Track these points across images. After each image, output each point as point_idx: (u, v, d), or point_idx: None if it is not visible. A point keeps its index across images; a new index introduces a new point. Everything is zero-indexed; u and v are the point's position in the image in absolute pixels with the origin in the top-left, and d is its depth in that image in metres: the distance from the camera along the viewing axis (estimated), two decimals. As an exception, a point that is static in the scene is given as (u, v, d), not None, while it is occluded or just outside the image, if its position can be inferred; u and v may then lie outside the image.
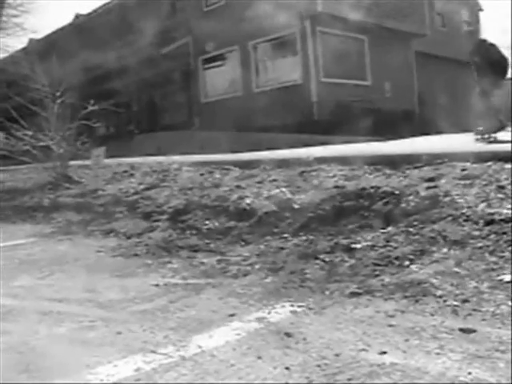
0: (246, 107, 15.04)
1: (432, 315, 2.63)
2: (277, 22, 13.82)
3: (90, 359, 2.33)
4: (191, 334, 2.57)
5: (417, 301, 2.83)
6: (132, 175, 8.37)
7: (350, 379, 2.00)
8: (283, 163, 6.63)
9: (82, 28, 21.43)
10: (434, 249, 3.49)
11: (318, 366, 2.13)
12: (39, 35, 22.40)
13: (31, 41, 22.57)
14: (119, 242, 5.12)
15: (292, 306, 2.92)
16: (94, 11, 22.01)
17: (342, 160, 6.08)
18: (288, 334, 2.50)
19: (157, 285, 3.52)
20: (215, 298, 3.16)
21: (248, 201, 5.23)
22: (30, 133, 9.30)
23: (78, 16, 23.19)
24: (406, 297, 2.90)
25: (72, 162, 9.66)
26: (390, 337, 2.39)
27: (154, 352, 2.37)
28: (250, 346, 2.37)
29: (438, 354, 2.18)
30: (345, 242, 3.89)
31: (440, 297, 2.83)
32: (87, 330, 2.74)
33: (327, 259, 3.63)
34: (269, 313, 2.83)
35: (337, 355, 2.22)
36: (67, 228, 6.24)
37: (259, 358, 2.25)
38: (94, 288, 3.51)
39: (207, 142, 13.49)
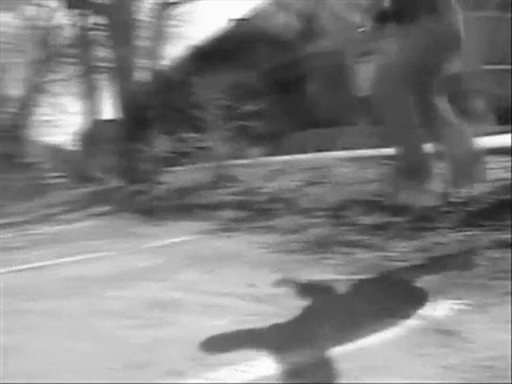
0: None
1: None
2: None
3: (251, 352, 2.37)
4: (351, 330, 2.53)
5: None
6: (289, 172, 8.48)
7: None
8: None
9: (234, 32, 22.12)
10: None
11: (481, 366, 2.00)
12: (196, 42, 23.49)
13: (191, 47, 23.69)
14: (278, 239, 5.19)
15: (453, 303, 2.77)
16: (245, 15, 22.65)
17: (504, 150, 5.70)
18: (449, 332, 2.37)
19: (315, 280, 3.52)
20: (374, 292, 3.09)
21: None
22: (191, 135, 9.75)
23: (230, 21, 24.00)
24: None
25: (231, 162, 10.00)
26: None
27: (311, 346, 2.36)
28: (409, 343, 2.28)
29: None
30: (506, 237, 3.63)
31: None
32: (245, 324, 2.79)
33: (489, 255, 3.41)
34: (429, 310, 2.71)
35: (503, 357, 2.06)
36: (228, 225, 6.44)
37: (418, 355, 2.16)
38: (254, 283, 3.58)
39: (364, 136, 13.35)
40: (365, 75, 17.66)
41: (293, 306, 3.03)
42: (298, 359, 2.23)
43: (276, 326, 2.70)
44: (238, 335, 2.66)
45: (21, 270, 5.27)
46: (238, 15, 24.22)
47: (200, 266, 4.36)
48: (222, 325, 2.81)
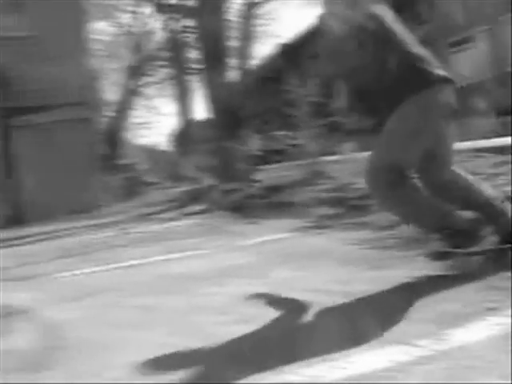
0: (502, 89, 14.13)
1: None
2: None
3: (347, 349, 2.37)
4: (446, 328, 2.48)
5: None
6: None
7: None
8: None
9: (324, 28, 21.97)
10: None
11: None
12: (286, 39, 23.54)
13: (278, 45, 23.78)
14: (371, 235, 5.14)
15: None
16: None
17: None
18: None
19: (409, 277, 3.46)
20: (471, 291, 3.00)
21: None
22: (283, 133, 9.80)
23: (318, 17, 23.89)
24: None
25: (323, 158, 9.97)
26: None
27: (408, 344, 2.33)
28: (508, 343, 2.20)
29: None
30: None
31: None
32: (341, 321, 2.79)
33: None
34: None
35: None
36: (321, 222, 6.44)
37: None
38: (347, 280, 3.57)
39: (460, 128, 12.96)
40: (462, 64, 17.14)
41: (386, 303, 3.01)
42: (393, 357, 2.22)
43: (371, 323, 2.68)
44: (333, 332, 2.67)
45: (122, 268, 5.50)
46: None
47: (293, 264, 4.39)
48: (317, 322, 2.83)
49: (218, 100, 14.23)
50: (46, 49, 18.42)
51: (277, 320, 2.97)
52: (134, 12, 29.71)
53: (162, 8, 24.20)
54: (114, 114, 32.57)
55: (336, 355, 2.30)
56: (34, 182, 16.45)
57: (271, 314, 3.08)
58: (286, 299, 3.37)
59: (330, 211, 6.83)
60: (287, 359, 2.33)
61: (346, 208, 6.72)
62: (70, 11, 18.88)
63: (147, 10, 29.64)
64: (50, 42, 18.48)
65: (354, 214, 6.30)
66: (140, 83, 31.95)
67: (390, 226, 5.23)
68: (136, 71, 30.67)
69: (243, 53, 15.66)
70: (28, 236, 10.68)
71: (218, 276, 4.31)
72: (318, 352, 2.37)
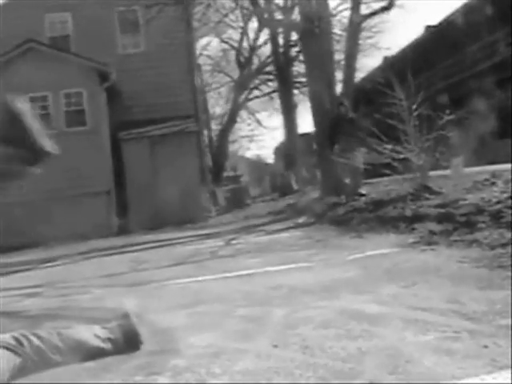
0: None
1: None
2: None
3: (456, 370, 2.33)
4: None
5: None
6: (493, 183, 8.08)
7: None
8: None
9: (433, 38, 21.51)
10: None
11: None
12: (393, 52, 23.22)
13: (386, 58, 23.50)
14: (482, 253, 4.97)
15: None
16: (445, 20, 21.89)
17: None
18: None
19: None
20: None
21: None
22: (389, 146, 9.68)
23: (428, 27, 23.37)
24: None
25: (431, 173, 9.76)
26: None
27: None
28: None
29: None
30: None
31: None
32: (452, 341, 2.73)
33: None
34: None
35: None
36: (429, 238, 6.29)
37: None
38: (457, 299, 3.49)
39: None
40: None
41: (500, 325, 2.92)
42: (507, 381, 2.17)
43: (483, 346, 2.62)
44: (441, 352, 2.62)
45: (230, 278, 5.64)
46: (435, 22, 23.61)
47: (400, 280, 4.34)
48: (426, 340, 2.79)
49: (323, 113, 14.26)
50: (156, 65, 19.21)
51: (384, 338, 2.94)
52: (241, 28, 30.37)
53: (268, 23, 24.60)
54: (220, 128, 33.35)
55: (445, 375, 2.27)
56: (142, 193, 17.11)
57: (379, 330, 3.07)
58: (394, 316, 3.32)
59: (439, 227, 6.67)
60: (392, 377, 2.33)
61: (454, 224, 6.53)
62: (180, 29, 19.57)
63: (254, 25, 30.28)
64: (161, 59, 19.27)
65: (462, 231, 6.13)
66: (246, 97, 32.54)
67: (501, 245, 5.06)
68: (243, 85, 31.27)
69: (349, 66, 15.60)
70: (139, 244, 11.12)
71: (324, 290, 4.33)
72: (422, 372, 2.35)
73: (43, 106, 17.19)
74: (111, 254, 9.96)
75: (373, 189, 11.59)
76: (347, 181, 12.59)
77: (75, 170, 16.47)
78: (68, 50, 18.74)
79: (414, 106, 9.71)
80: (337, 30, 20.39)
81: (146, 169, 17.43)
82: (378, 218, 8.54)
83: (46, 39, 19.18)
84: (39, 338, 2.37)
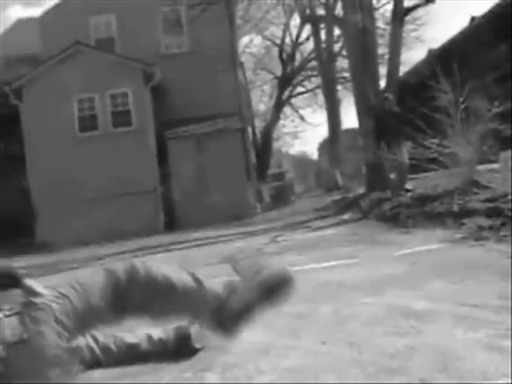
0: None
1: None
2: None
3: (507, 368, 2.29)
4: None
5: None
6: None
7: None
8: None
9: (478, 29, 21.07)
10: None
11: None
12: (437, 44, 22.84)
13: (430, 51, 23.14)
14: (532, 248, 4.88)
15: None
16: (490, 10, 21.43)
17: None
18: None
19: None
20: None
21: None
22: (435, 140, 9.55)
23: (473, 18, 22.91)
24: None
25: (479, 167, 9.59)
26: None
27: None
28: None
29: None
30: None
31: None
32: (503, 338, 2.69)
33: None
34: None
35: None
36: (477, 233, 6.19)
37: None
38: (508, 295, 3.42)
39: None
40: None
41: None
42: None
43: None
44: (493, 350, 2.58)
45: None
46: (480, 12, 23.14)
47: (449, 276, 4.28)
48: (476, 338, 2.75)
49: (367, 108, 14.16)
50: (200, 64, 19.36)
51: (432, 334, 2.91)
52: (283, 24, 30.34)
53: (310, 19, 24.54)
54: (264, 124, 33.40)
55: (496, 373, 2.24)
56: (188, 191, 17.29)
57: (428, 327, 3.04)
58: (443, 313, 3.28)
59: (487, 222, 6.55)
60: (441, 374, 2.31)
61: (503, 219, 6.41)
62: (223, 28, 19.69)
63: (297, 21, 30.22)
64: (204, 58, 19.41)
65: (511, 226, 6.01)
66: (290, 94, 32.51)
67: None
68: (286, 82, 31.24)
69: (393, 59, 15.43)
70: (186, 241, 11.24)
71: (372, 286, 4.31)
72: (473, 369, 2.32)
73: (90, 107, 17.54)
74: (159, 252, 10.11)
75: (419, 184, 11.43)
76: (393, 176, 12.48)
77: (122, 169, 16.75)
78: (113, 52, 19.06)
79: (461, 99, 9.56)
80: (380, 24, 20.18)
81: (191, 167, 17.60)
82: (425, 213, 8.43)
83: (91, 41, 19.54)
84: (95, 339, 2.48)
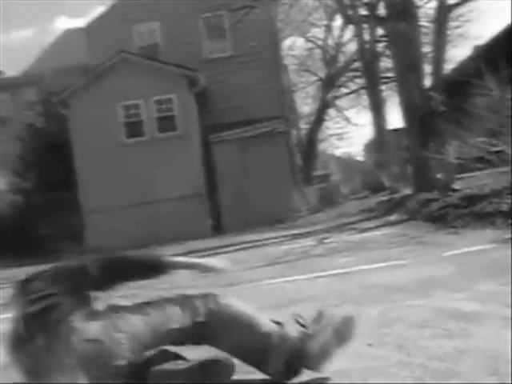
0: None
1: None
2: None
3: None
4: None
5: None
6: None
7: None
8: None
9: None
10: None
11: None
12: (483, 41, 22.40)
13: (476, 47, 22.72)
14: None
15: None
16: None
17: None
18: None
19: None
20: None
21: None
22: (483, 139, 9.39)
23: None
24: None
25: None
26: None
27: None
28: None
29: None
30: None
31: None
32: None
33: None
34: None
35: None
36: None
37: None
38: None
39: None
40: None
41: None
42: None
43: None
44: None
45: (323, 277, 5.66)
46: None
47: (498, 277, 4.22)
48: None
49: (412, 108, 14.00)
50: (243, 68, 19.48)
51: (482, 337, 2.87)
52: (326, 25, 30.24)
53: (353, 19, 24.38)
54: (309, 126, 33.33)
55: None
56: (233, 194, 17.38)
57: (477, 329, 3.01)
58: (493, 315, 3.23)
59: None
60: (492, 378, 2.29)
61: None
62: (265, 31, 19.76)
63: (339, 22, 30.08)
64: (247, 62, 19.52)
65: None
66: (334, 95, 32.37)
67: None
68: (330, 83, 31.13)
69: (437, 58, 15.20)
70: (233, 244, 11.31)
71: (420, 287, 4.28)
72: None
73: (136, 113, 17.82)
74: (206, 256, 10.20)
75: (466, 184, 11.26)
76: (440, 176, 12.32)
77: (168, 173, 16.96)
78: (157, 58, 19.31)
79: (508, 96, 9.38)
80: (424, 22, 19.90)
81: (236, 170, 17.70)
82: (474, 213, 8.30)
83: (135, 49, 19.85)
84: None
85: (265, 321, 2.64)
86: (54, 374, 2.20)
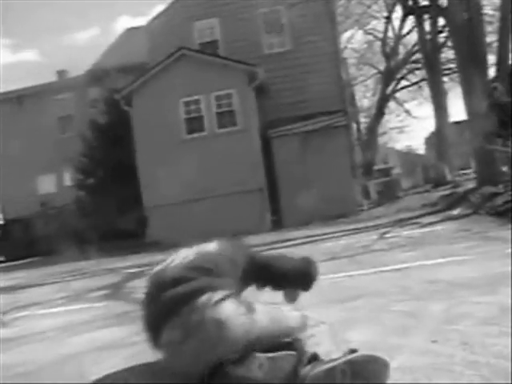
0: None
1: None
2: None
3: None
4: None
5: None
6: None
7: None
8: None
9: None
10: None
11: None
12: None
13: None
14: None
15: None
16: None
17: None
18: None
19: None
20: None
21: None
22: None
23: None
24: None
25: None
26: None
27: None
28: None
29: None
30: None
31: None
32: None
33: None
34: None
35: None
36: None
37: None
38: None
39: None
40: None
41: None
42: None
43: None
44: None
45: (385, 272, 5.60)
46: None
47: None
48: None
49: (476, 99, 13.67)
50: (302, 62, 19.42)
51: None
52: (386, 17, 29.78)
53: (413, 10, 23.95)
54: (369, 120, 32.96)
55: None
56: (294, 189, 17.35)
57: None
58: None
59: None
60: None
61: None
62: (323, 24, 19.64)
63: (399, 13, 29.58)
64: (306, 56, 19.46)
65: None
66: (394, 88, 31.89)
67: None
68: (390, 76, 30.67)
69: (502, 47, 14.77)
70: (293, 239, 11.31)
71: (485, 284, 4.19)
72: None
73: (196, 109, 18.01)
74: (265, 250, 10.23)
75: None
76: (505, 169, 11.99)
77: (229, 168, 17.11)
78: (217, 54, 19.47)
79: None
80: (488, 11, 19.37)
81: (296, 165, 17.66)
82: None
83: (195, 45, 20.06)
84: None
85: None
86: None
